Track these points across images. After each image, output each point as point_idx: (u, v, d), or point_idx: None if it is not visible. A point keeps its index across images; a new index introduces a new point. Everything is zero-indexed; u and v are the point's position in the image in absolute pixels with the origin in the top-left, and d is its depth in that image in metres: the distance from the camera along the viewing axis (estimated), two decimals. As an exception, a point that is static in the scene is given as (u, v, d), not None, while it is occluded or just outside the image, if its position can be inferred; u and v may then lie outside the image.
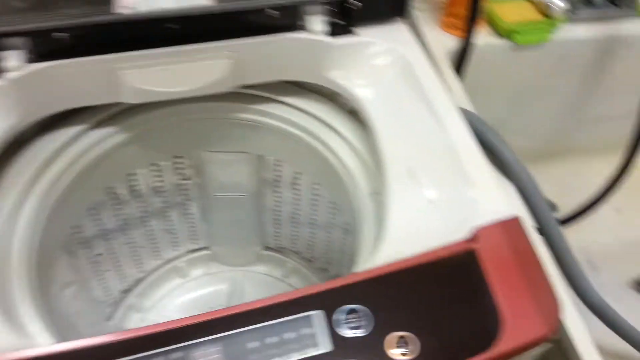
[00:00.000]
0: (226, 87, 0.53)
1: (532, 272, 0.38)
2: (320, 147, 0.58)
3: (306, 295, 0.36)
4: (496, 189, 0.43)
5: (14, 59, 0.47)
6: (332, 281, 0.36)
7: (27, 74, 0.47)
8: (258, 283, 0.86)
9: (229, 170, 0.71)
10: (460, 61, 0.74)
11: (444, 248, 0.38)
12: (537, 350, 0.37)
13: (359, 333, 0.34)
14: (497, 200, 0.42)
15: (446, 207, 0.42)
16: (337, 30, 0.55)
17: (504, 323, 0.36)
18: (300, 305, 0.35)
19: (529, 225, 0.51)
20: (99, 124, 0.56)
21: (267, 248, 0.85)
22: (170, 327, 0.33)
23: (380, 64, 0.52)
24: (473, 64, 0.75)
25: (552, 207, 0.93)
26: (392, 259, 0.38)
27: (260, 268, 0.87)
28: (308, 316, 0.34)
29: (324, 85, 0.56)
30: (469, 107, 0.62)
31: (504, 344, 0.35)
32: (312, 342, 0.34)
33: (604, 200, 0.78)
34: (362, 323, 0.34)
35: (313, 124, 0.58)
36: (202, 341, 0.33)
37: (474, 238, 0.39)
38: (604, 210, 0.93)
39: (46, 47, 0.48)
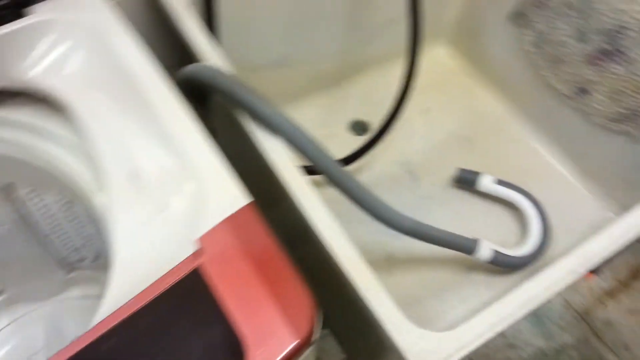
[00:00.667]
0: None
1: (272, 272, 0.31)
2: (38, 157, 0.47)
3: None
4: (224, 179, 0.36)
5: None
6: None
7: None
8: (76, 310, 0.75)
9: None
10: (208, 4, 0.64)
11: (170, 273, 0.31)
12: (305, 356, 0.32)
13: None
14: (226, 192, 0.35)
15: (172, 217, 0.34)
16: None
17: (246, 348, 0.29)
18: None
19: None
20: None
21: (73, 269, 0.74)
22: None
23: (63, 51, 0.41)
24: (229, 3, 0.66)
25: (363, 127, 0.90)
26: (118, 303, 0.30)
27: (74, 292, 0.76)
28: None
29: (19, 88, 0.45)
30: (220, 59, 0.54)
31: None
32: None
33: (402, 106, 0.75)
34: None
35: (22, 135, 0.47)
36: None
37: (198, 251, 0.32)
38: (412, 117, 0.92)
39: None
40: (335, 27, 0.79)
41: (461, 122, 0.91)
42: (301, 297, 0.31)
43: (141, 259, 0.33)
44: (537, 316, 1.23)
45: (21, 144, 0.47)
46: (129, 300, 0.30)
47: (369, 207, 0.54)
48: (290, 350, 0.29)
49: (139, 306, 0.30)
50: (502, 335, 1.19)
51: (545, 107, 0.85)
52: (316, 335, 0.31)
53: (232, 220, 0.32)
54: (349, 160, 0.79)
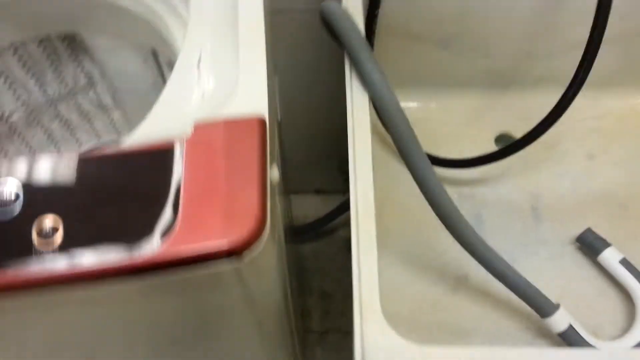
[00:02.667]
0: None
1: (238, 185, 0.32)
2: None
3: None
4: (256, 92, 0.37)
5: None
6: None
7: None
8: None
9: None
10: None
11: (156, 142, 0.34)
12: (223, 268, 0.32)
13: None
14: (247, 100, 0.36)
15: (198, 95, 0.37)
16: None
17: (175, 227, 0.31)
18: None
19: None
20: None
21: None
22: None
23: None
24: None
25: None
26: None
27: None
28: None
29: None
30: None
31: (170, 244, 0.31)
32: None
33: (547, 127, 0.66)
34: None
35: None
36: None
37: (191, 134, 0.34)
38: (572, 154, 0.81)
39: None
40: (519, 25, 0.72)
41: (626, 183, 0.78)
42: (252, 214, 0.31)
43: (162, 115, 0.37)
44: None
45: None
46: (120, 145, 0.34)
47: (451, 223, 0.51)
48: (213, 246, 0.30)
49: (118, 153, 0.33)
50: None
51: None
52: (240, 252, 0.31)
53: (234, 125, 0.34)
54: (468, 163, 0.74)
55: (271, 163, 0.35)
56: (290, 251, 0.63)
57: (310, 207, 1.09)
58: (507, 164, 0.76)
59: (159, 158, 0.32)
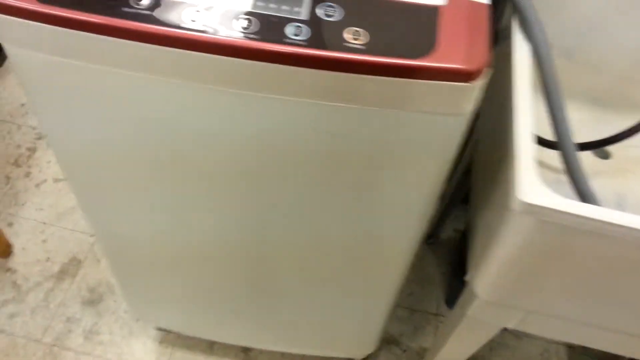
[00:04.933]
0: None
1: (475, 34, 0.48)
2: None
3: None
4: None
5: None
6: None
7: None
8: None
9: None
10: None
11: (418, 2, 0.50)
12: (458, 92, 0.47)
13: (330, 19, 0.48)
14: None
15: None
16: None
17: (435, 48, 0.47)
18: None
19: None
20: None
21: None
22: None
23: None
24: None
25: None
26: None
27: None
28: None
29: None
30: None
31: (428, 60, 0.46)
32: (298, 12, 0.48)
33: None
34: (333, 14, 0.48)
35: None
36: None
37: (445, 3, 0.50)
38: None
39: None
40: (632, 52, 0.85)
41: None
42: (483, 53, 0.47)
43: None
44: None
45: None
46: None
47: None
48: (462, 67, 0.46)
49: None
50: None
51: None
52: (475, 78, 0.47)
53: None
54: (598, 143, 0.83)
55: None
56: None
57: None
58: (599, 164, 0.88)
59: (426, 11, 0.49)
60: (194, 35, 0.47)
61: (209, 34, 0.47)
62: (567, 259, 0.60)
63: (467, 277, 0.88)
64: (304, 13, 0.48)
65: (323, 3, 0.49)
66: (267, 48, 0.46)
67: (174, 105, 0.54)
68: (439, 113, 0.51)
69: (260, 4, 0.49)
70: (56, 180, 1.31)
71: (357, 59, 0.46)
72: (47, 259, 1.20)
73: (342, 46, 0.47)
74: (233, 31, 0.47)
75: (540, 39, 0.60)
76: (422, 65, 0.46)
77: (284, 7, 0.48)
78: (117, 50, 0.49)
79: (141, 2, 0.48)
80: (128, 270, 0.89)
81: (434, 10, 0.49)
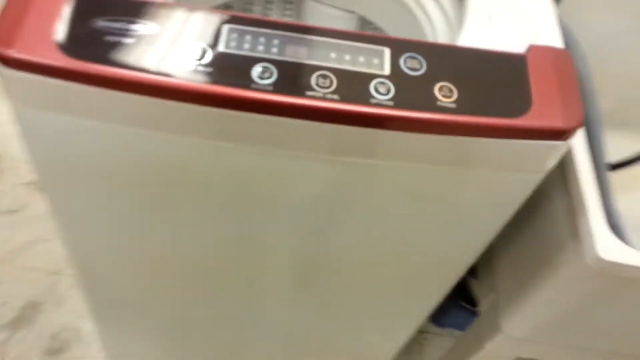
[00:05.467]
0: None
1: (566, 86, 0.44)
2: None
3: (381, 37, 0.44)
4: (555, 34, 0.50)
5: None
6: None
7: None
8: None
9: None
10: None
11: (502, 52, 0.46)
12: (550, 150, 0.44)
13: (414, 73, 0.42)
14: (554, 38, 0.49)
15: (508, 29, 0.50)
16: None
17: (531, 105, 0.43)
18: (376, 42, 0.43)
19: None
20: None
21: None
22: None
23: None
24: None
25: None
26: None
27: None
28: (380, 50, 0.43)
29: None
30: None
31: (527, 120, 0.42)
32: (379, 66, 0.42)
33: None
34: (418, 67, 0.43)
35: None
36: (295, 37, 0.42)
37: (526, 51, 0.46)
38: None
39: None
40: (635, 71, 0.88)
41: None
42: (576, 109, 0.44)
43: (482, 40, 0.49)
44: None
45: None
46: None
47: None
48: (558, 125, 0.42)
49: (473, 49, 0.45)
50: None
51: None
52: (570, 135, 0.43)
53: (554, 50, 0.47)
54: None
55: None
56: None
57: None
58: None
59: (512, 62, 0.45)
60: (273, 98, 0.39)
61: (284, 95, 0.40)
62: (621, 302, 0.58)
63: (480, 309, 0.86)
64: (386, 67, 0.42)
65: (404, 54, 0.43)
66: (356, 110, 0.40)
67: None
68: (522, 170, 0.47)
69: (333, 55, 0.42)
70: (10, 212, 1.15)
71: (462, 121, 0.41)
72: (0, 305, 1.05)
73: (436, 106, 0.41)
74: (313, 91, 0.40)
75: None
76: (522, 125, 0.42)
77: (361, 60, 0.42)
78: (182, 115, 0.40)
79: (202, 60, 0.40)
80: (111, 303, 0.78)
81: (521, 60, 0.45)
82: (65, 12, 0.39)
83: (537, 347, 0.76)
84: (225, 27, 0.41)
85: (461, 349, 0.89)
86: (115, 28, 0.39)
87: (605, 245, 0.49)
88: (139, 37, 0.39)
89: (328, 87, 0.40)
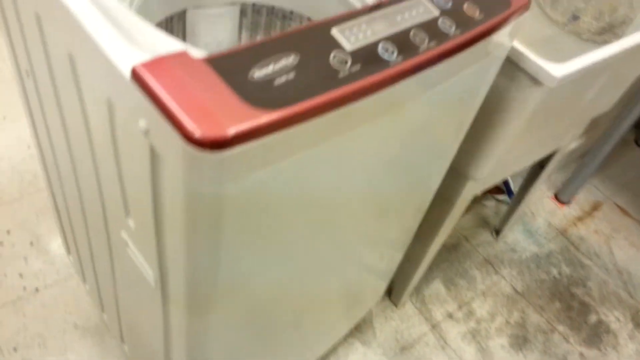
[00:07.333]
0: None
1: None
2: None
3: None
4: None
5: None
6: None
7: None
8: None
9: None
10: None
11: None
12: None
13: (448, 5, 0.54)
14: None
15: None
16: None
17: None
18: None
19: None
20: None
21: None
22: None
23: None
24: None
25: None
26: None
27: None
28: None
29: None
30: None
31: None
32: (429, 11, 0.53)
33: None
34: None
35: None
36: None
37: None
38: None
39: None
40: None
41: None
42: None
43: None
44: (529, 231, 1.56)
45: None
46: None
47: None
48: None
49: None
50: (504, 242, 1.50)
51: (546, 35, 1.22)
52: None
53: None
54: None
55: None
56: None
57: None
58: None
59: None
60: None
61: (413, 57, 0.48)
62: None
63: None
64: (433, 10, 0.53)
65: (433, -5, 0.54)
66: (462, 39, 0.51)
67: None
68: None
69: (399, 18, 0.51)
70: None
71: (495, 22, 0.55)
72: None
73: (476, 20, 0.54)
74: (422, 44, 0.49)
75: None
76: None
77: (414, 13, 0.52)
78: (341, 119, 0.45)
79: (347, 66, 0.44)
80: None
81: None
82: (229, 81, 0.39)
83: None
84: (336, 32, 0.46)
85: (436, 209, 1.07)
86: (270, 72, 0.41)
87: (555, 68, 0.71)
88: (293, 68, 0.42)
89: (424, 42, 0.49)
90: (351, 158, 0.54)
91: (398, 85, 0.47)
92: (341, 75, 0.44)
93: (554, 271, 1.47)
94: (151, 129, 0.41)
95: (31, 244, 1.21)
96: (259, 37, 0.87)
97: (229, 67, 0.41)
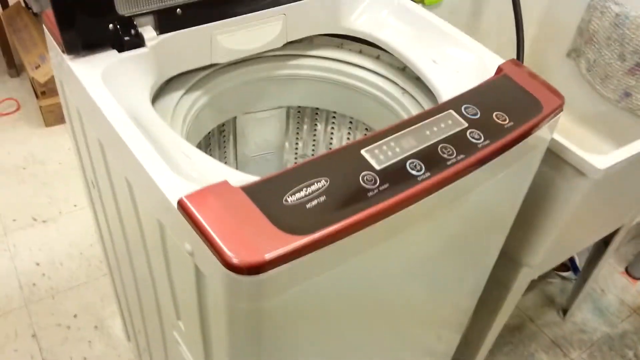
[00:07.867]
0: (281, 42, 0.72)
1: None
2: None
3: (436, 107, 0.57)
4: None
5: (148, 32, 0.62)
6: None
7: (159, 41, 0.62)
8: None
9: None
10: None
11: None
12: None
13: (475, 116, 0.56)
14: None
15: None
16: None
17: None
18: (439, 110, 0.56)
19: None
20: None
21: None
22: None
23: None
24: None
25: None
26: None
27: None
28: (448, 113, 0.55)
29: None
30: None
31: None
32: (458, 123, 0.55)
33: None
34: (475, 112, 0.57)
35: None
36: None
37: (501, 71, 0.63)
38: None
39: (166, 21, 0.63)
40: None
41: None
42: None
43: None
44: (599, 310, 1.47)
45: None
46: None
47: None
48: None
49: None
50: (573, 322, 1.42)
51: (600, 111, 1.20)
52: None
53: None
54: None
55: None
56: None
57: None
58: None
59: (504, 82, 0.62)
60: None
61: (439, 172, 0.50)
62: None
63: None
64: (461, 121, 0.55)
65: (462, 106, 0.56)
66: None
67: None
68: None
69: (428, 132, 0.53)
70: None
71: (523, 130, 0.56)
72: None
73: (505, 129, 0.55)
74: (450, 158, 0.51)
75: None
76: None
77: (442, 126, 0.54)
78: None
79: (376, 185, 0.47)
80: None
81: (507, 79, 0.62)
82: (264, 208, 0.43)
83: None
84: (365, 153, 0.49)
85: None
86: (303, 196, 0.44)
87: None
88: (324, 192, 0.45)
89: (452, 155, 0.51)
90: (389, 263, 0.56)
91: (428, 198, 0.49)
92: (370, 194, 0.46)
93: (630, 354, 1.36)
94: (195, 251, 0.45)
95: (95, 327, 1.27)
96: (304, 135, 0.92)
97: (264, 193, 0.44)
